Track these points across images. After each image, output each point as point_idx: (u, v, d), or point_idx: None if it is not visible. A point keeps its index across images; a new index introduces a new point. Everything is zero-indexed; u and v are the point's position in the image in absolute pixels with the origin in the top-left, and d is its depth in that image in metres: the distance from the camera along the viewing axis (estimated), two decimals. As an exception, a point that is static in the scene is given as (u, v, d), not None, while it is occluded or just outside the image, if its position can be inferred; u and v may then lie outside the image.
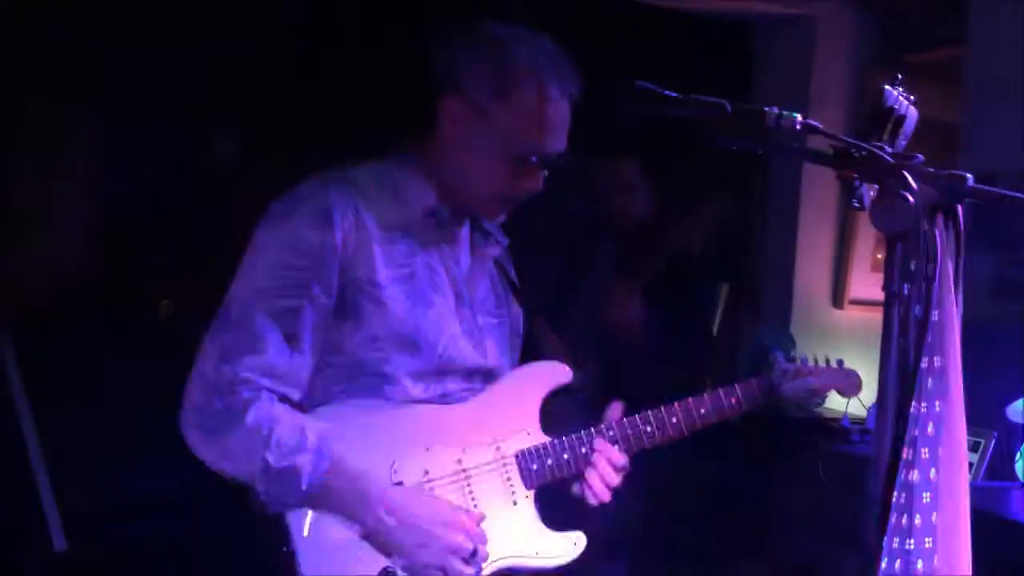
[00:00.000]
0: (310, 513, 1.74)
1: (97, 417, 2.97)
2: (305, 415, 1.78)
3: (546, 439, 1.91)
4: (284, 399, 1.75)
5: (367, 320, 1.79)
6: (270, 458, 1.68)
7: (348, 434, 1.77)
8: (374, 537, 1.75)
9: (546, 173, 1.85)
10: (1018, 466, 2.66)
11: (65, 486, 2.82)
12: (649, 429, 1.93)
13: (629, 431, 1.93)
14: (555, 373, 1.97)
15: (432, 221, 1.88)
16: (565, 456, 1.90)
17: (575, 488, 1.94)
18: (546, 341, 3.11)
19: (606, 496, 1.91)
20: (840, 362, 2.25)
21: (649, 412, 1.94)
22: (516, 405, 1.92)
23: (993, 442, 2.72)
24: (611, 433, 1.92)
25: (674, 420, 1.94)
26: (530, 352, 2.07)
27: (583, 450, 1.90)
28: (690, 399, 1.96)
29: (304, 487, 1.70)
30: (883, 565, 1.25)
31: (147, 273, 3.64)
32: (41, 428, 2.88)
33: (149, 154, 3.58)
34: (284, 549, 1.73)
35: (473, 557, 1.76)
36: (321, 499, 1.73)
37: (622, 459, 1.92)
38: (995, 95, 3.29)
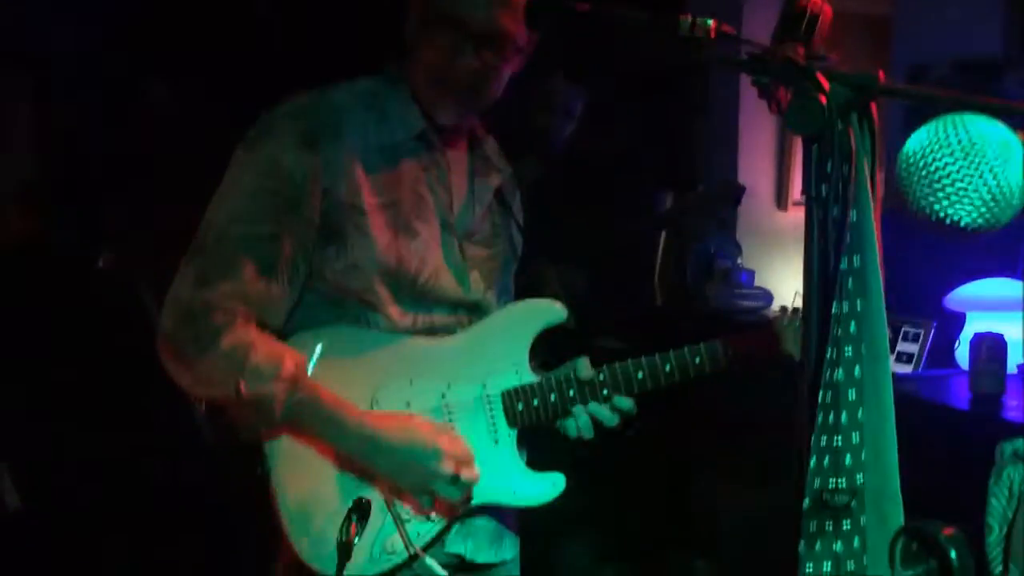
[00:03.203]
0: (284, 436, 1.73)
1: (42, 372, 2.94)
2: (285, 341, 1.75)
3: (534, 379, 1.88)
4: (261, 325, 1.72)
5: (350, 247, 1.75)
6: (244, 384, 1.66)
7: (330, 362, 1.75)
8: (353, 464, 1.75)
9: (487, 57, 1.75)
10: (957, 353, 2.72)
11: (12, 443, 2.80)
12: (640, 376, 1.88)
13: (620, 377, 1.88)
14: (548, 312, 1.91)
15: (421, 144, 1.82)
16: (552, 397, 1.87)
17: (564, 426, 1.91)
18: (543, 279, 3.09)
19: (590, 433, 1.89)
20: None
21: (642, 358, 1.89)
22: (506, 342, 1.88)
23: (933, 331, 2.77)
24: (602, 378, 1.88)
25: (667, 368, 1.89)
26: (527, 289, 2.04)
27: (570, 392, 1.87)
28: (685, 347, 1.89)
29: (279, 415, 1.69)
30: (812, 464, 1.28)
31: (88, 224, 3.58)
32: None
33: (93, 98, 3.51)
34: (258, 471, 1.74)
35: (456, 481, 1.75)
36: (296, 426, 1.72)
37: (625, 402, 1.88)
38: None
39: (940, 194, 1.20)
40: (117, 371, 2.74)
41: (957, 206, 1.19)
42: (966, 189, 1.18)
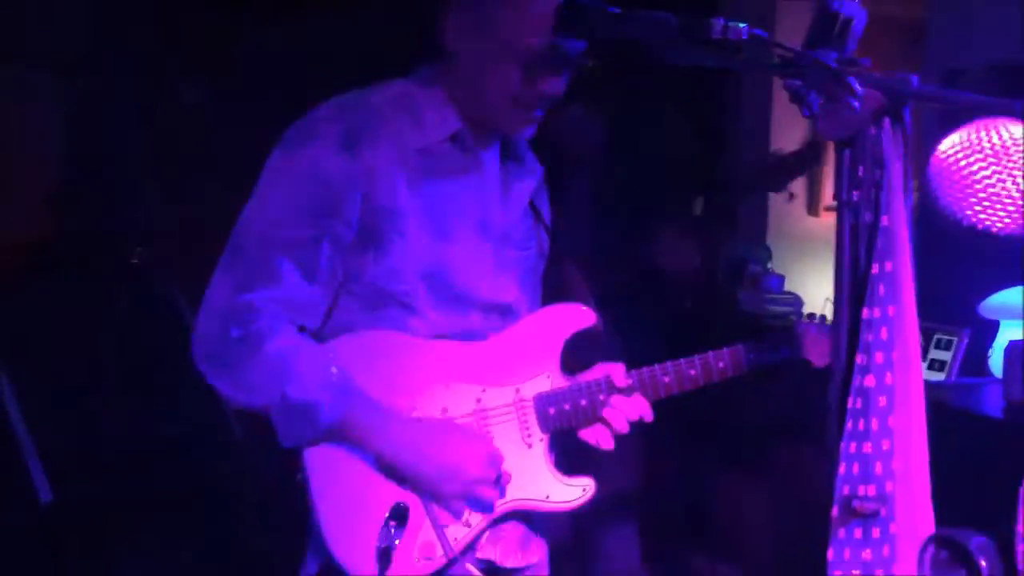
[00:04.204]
0: (322, 442, 1.72)
1: (75, 366, 2.97)
2: (326, 345, 1.75)
3: (565, 383, 1.88)
4: (301, 329, 1.72)
5: (388, 251, 1.75)
6: (290, 391, 1.65)
7: (369, 365, 1.75)
8: (393, 471, 1.74)
9: (566, 74, 1.76)
10: (991, 361, 2.69)
11: (47, 437, 2.84)
12: (667, 380, 1.88)
13: (647, 381, 1.89)
14: (578, 316, 1.91)
15: (456, 146, 1.81)
16: (583, 402, 1.87)
17: (582, 433, 1.92)
18: (572, 282, 3.09)
19: (610, 444, 1.90)
20: None
21: (669, 363, 1.89)
22: (537, 347, 1.88)
23: (966, 339, 2.74)
24: (630, 381, 1.88)
25: (692, 373, 1.89)
26: (556, 292, 2.04)
27: (600, 397, 1.87)
28: (710, 353, 1.90)
29: (323, 423, 1.68)
30: (841, 470, 1.27)
31: (121, 220, 3.61)
32: (18, 380, 2.89)
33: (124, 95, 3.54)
34: (297, 478, 1.73)
35: (497, 484, 1.76)
36: (340, 433, 1.71)
37: (645, 408, 1.88)
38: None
39: (972, 199, 1.19)
40: (149, 366, 2.76)
41: (989, 212, 1.19)
42: (999, 195, 1.17)
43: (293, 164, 1.73)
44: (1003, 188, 1.19)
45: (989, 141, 1.20)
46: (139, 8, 3.46)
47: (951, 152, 1.23)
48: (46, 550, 2.83)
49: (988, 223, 1.21)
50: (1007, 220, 1.21)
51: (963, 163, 1.22)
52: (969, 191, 1.22)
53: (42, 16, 3.38)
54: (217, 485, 2.78)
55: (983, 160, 1.20)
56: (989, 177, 1.20)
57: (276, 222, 1.71)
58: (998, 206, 1.20)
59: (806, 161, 3.79)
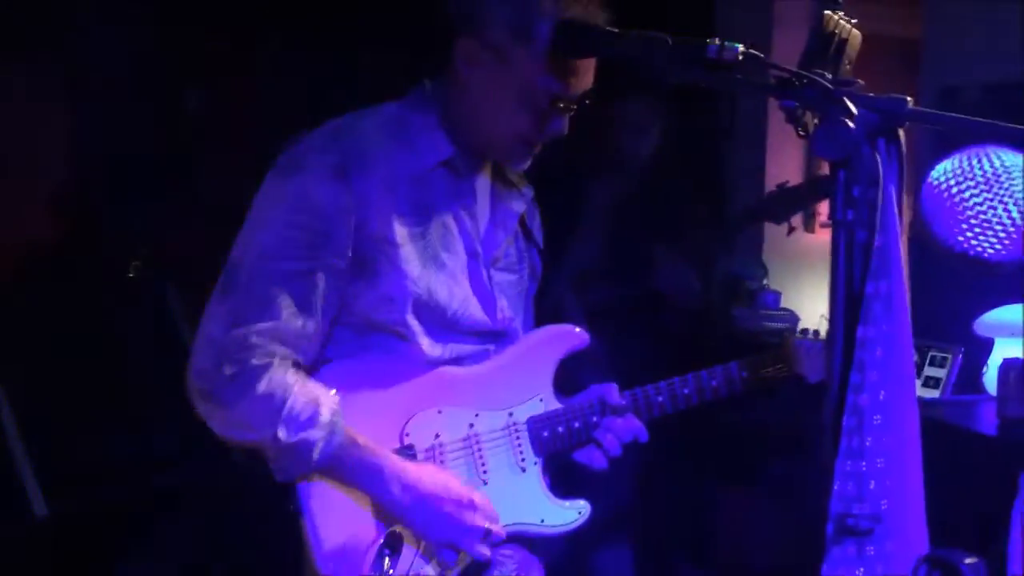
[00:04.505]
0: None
1: (70, 378, 2.96)
2: (318, 373, 1.74)
3: (559, 405, 1.88)
4: (295, 363, 1.71)
5: (380, 280, 1.74)
6: (281, 431, 1.64)
7: (361, 392, 1.75)
8: (386, 512, 1.74)
9: (571, 115, 1.77)
10: (985, 379, 2.69)
11: (41, 451, 2.83)
12: (660, 399, 1.89)
13: (641, 401, 1.89)
14: (571, 338, 1.92)
15: (448, 171, 1.80)
16: (576, 424, 1.87)
17: (577, 455, 1.92)
18: (565, 302, 3.09)
19: (604, 464, 1.90)
20: None
21: (662, 382, 1.91)
22: (530, 370, 1.89)
23: (960, 357, 2.75)
24: (623, 402, 1.89)
25: (686, 391, 1.90)
26: (548, 313, 2.04)
27: (594, 419, 1.88)
28: (703, 371, 1.91)
29: (315, 461, 1.67)
30: (836, 487, 1.27)
31: (117, 232, 3.61)
32: (12, 393, 2.88)
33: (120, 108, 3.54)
34: (291, 509, 1.73)
35: (486, 538, 1.75)
36: (332, 472, 1.70)
37: (639, 428, 1.89)
38: (956, 7, 3.27)
39: (964, 226, 1.20)
40: (146, 378, 2.76)
41: (981, 239, 1.19)
42: (990, 222, 1.18)
43: (284, 195, 1.72)
44: (994, 216, 1.19)
45: (981, 168, 1.21)
46: (145, 14, 3.46)
47: (943, 179, 1.24)
48: (41, 564, 2.82)
49: (980, 250, 1.21)
50: (999, 247, 1.21)
51: (955, 190, 1.22)
52: (961, 218, 1.22)
53: (48, 16, 3.38)
54: (212, 498, 2.77)
55: (975, 187, 1.21)
56: (981, 204, 1.20)
57: (269, 254, 1.70)
58: (989, 233, 1.20)
59: (806, 197, 3.79)
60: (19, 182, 3.43)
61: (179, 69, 3.63)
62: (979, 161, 1.21)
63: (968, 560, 1.08)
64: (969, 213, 1.20)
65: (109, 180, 3.63)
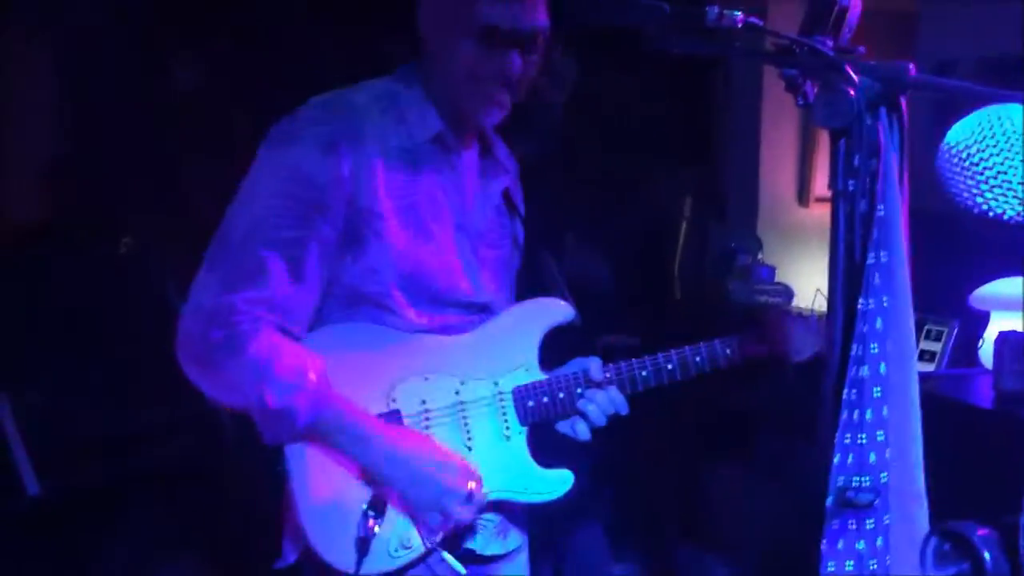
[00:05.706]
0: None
1: (61, 356, 2.95)
2: (305, 340, 1.75)
3: (543, 376, 1.89)
4: (285, 332, 1.71)
5: (367, 252, 1.76)
6: (267, 396, 1.65)
7: (347, 359, 1.76)
8: (370, 474, 1.74)
9: (521, 53, 1.75)
10: (981, 352, 2.69)
11: (32, 429, 2.82)
12: (644, 373, 1.90)
13: (625, 374, 1.90)
14: (556, 310, 1.93)
15: (436, 146, 1.82)
16: (560, 395, 1.88)
17: (560, 425, 1.93)
18: (549, 276, 3.07)
19: (588, 435, 1.90)
20: None
21: (646, 357, 1.91)
22: (516, 341, 1.90)
23: (956, 330, 2.75)
24: (607, 375, 1.89)
25: (669, 367, 1.91)
26: (533, 286, 2.04)
27: (578, 389, 1.89)
28: (687, 347, 1.92)
29: (300, 426, 1.68)
30: (835, 460, 1.26)
31: (108, 210, 3.59)
32: (2, 371, 2.87)
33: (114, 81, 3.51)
34: (278, 469, 1.74)
35: (469, 500, 1.75)
36: (317, 436, 1.72)
37: (621, 402, 1.89)
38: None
39: (984, 187, 1.18)
40: (136, 355, 2.74)
41: (1001, 199, 1.18)
42: (1010, 182, 1.16)
43: (277, 166, 1.73)
44: (1015, 176, 1.18)
45: (1001, 128, 1.19)
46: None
47: (960, 140, 1.22)
48: (33, 542, 2.81)
49: (999, 210, 1.19)
50: (1019, 208, 1.20)
51: (973, 150, 1.21)
52: (980, 178, 1.20)
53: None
54: (200, 473, 2.77)
55: (994, 147, 1.19)
56: (1002, 164, 1.18)
57: (261, 223, 1.71)
58: (1010, 194, 1.19)
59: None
60: (6, 158, 3.40)
61: (173, 43, 3.59)
62: (999, 120, 1.19)
63: (980, 532, 1.07)
64: (989, 174, 1.18)
65: (99, 156, 3.60)
